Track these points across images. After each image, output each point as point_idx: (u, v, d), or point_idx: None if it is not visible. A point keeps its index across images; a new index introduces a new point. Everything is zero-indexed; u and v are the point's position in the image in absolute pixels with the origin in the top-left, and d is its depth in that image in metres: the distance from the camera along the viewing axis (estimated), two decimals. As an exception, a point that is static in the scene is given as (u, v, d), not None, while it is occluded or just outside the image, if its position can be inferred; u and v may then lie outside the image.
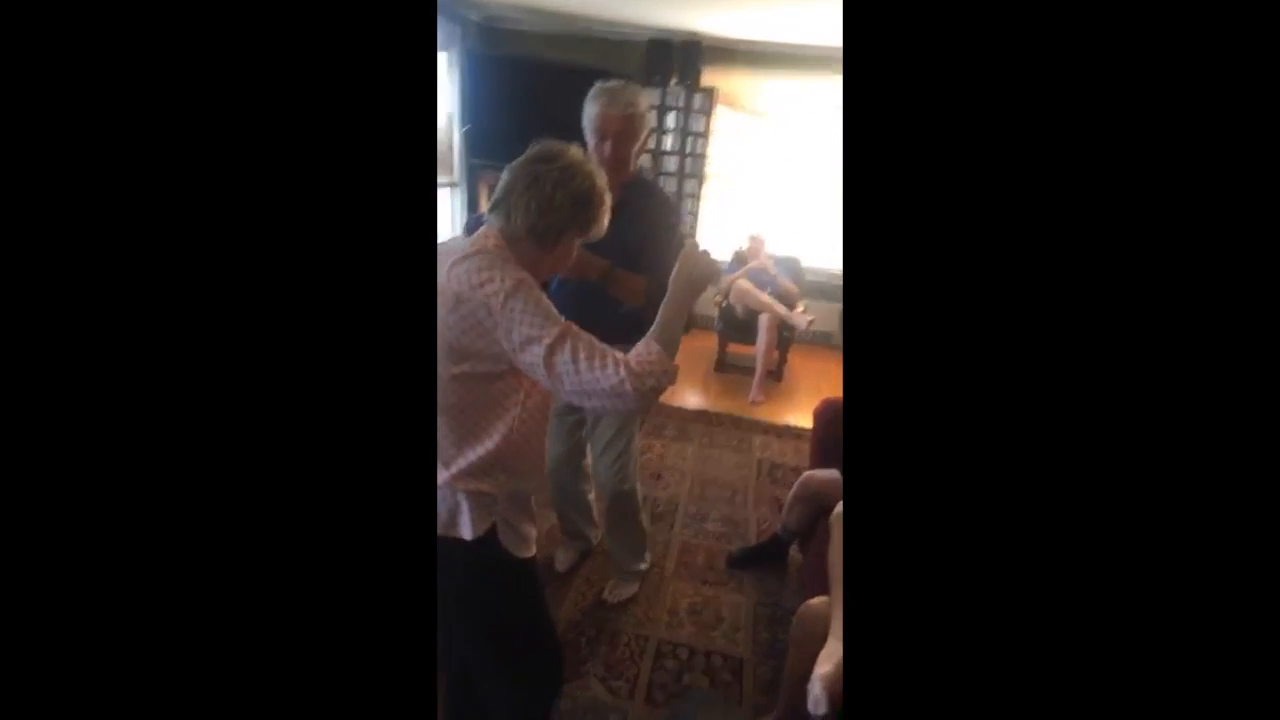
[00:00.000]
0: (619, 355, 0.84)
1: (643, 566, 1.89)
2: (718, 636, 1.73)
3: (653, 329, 0.90)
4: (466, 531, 0.91)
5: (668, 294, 0.92)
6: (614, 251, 1.40)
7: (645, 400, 0.83)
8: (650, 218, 1.48)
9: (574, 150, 0.93)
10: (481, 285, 0.84)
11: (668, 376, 0.86)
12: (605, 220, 0.95)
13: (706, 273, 0.93)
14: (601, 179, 0.92)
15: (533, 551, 1.02)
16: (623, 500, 1.73)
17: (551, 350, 0.82)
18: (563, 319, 0.86)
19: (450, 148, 3.41)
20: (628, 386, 0.81)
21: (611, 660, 1.61)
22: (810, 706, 1.01)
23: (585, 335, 0.86)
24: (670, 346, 0.88)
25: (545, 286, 0.95)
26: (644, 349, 0.86)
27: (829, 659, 1.05)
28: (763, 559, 2.01)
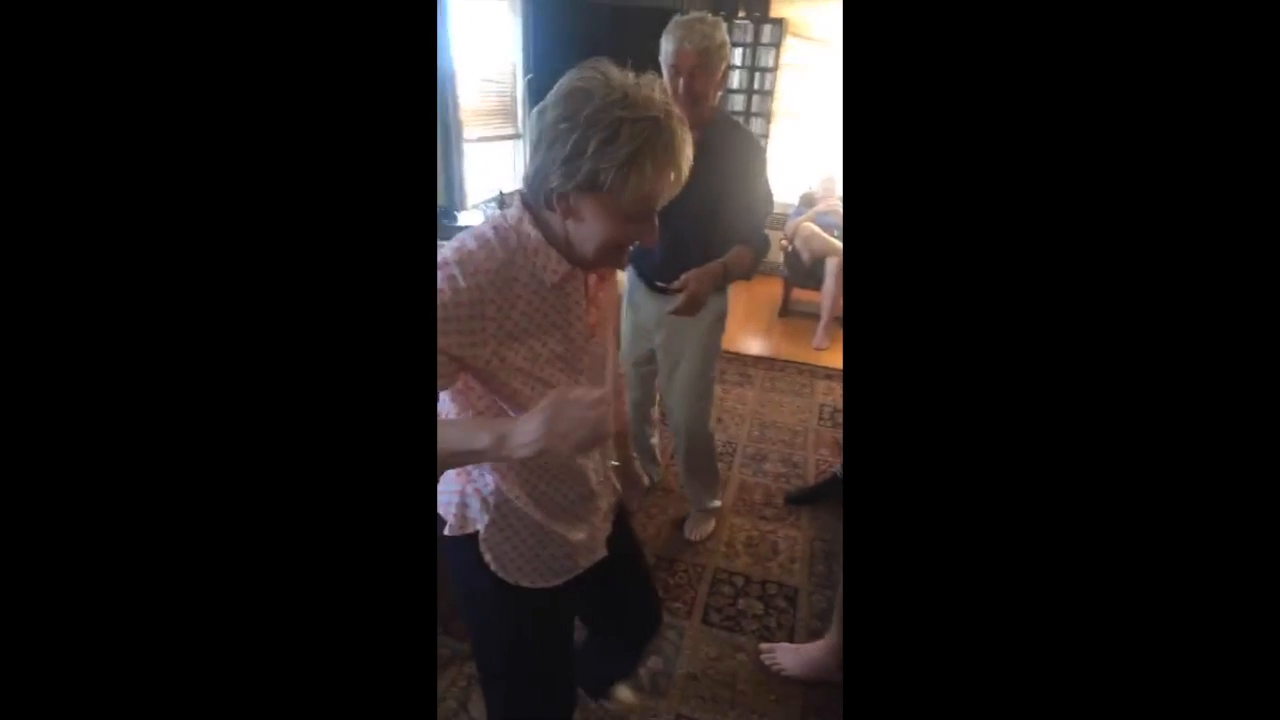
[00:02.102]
0: None
1: (717, 504, 1.95)
2: (774, 567, 1.79)
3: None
4: (446, 522, 0.84)
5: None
6: (694, 200, 1.37)
7: None
8: (735, 160, 1.43)
9: (583, 73, 0.66)
10: (440, 265, 0.68)
11: None
12: (644, 167, 0.64)
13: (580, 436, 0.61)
14: (629, 106, 0.64)
15: (532, 583, 0.85)
16: (703, 443, 1.79)
17: None
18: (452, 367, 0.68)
19: (514, 99, 3.44)
20: None
21: (670, 584, 1.71)
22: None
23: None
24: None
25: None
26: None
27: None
28: (821, 498, 2.04)
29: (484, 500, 0.82)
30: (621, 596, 1.05)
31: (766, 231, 1.52)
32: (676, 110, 0.67)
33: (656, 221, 0.71)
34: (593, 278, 0.79)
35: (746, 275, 1.51)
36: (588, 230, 0.69)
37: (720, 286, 1.50)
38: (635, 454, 1.97)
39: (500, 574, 0.84)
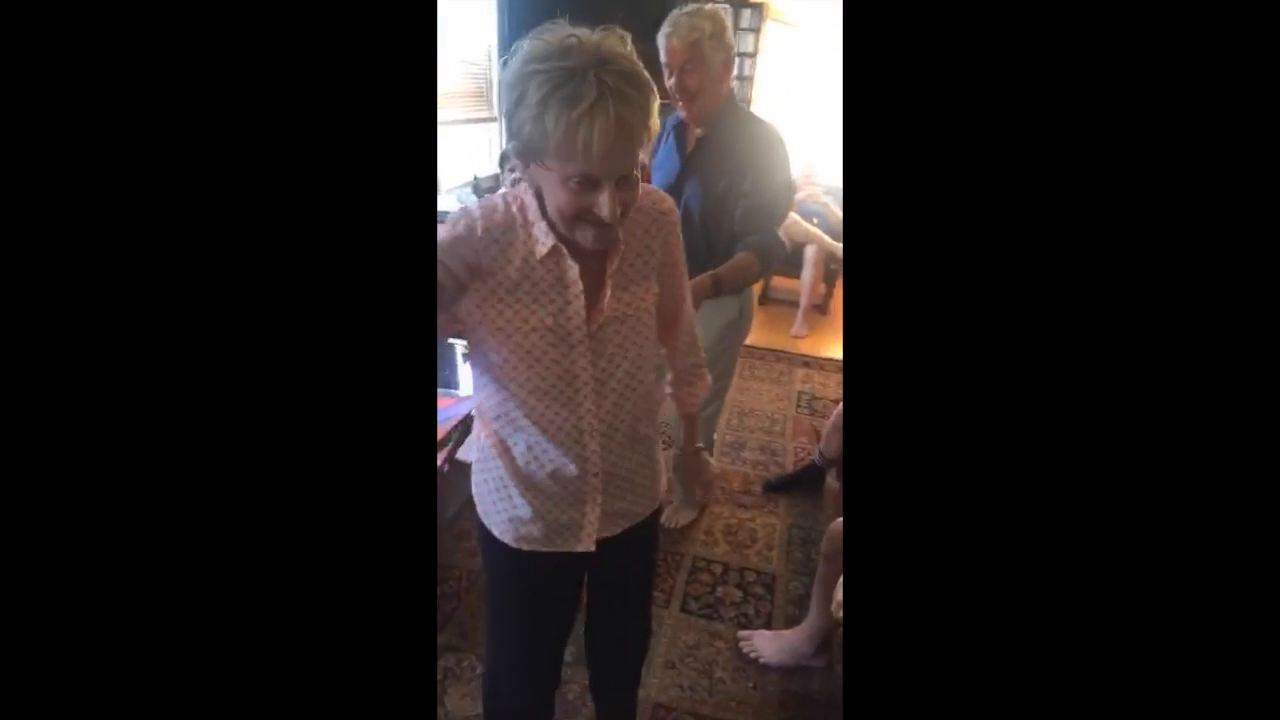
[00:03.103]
0: None
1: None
2: (751, 554, 1.80)
3: None
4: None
5: None
6: (699, 197, 1.32)
7: None
8: (744, 154, 1.35)
9: (532, 36, 0.63)
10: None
11: None
12: (544, 120, 0.60)
13: None
14: (545, 59, 0.60)
15: (500, 534, 0.85)
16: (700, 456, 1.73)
17: None
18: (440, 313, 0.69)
19: (489, 82, 3.36)
20: None
21: (649, 572, 1.71)
22: (833, 610, 1.06)
23: None
24: None
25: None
26: None
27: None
28: (799, 485, 2.05)
29: (477, 437, 0.86)
30: (608, 612, 1.02)
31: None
32: (625, 62, 0.61)
33: (608, 191, 0.63)
34: (608, 264, 0.74)
35: (751, 282, 1.41)
36: (546, 197, 0.68)
37: (713, 295, 1.35)
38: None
39: (481, 513, 0.87)
